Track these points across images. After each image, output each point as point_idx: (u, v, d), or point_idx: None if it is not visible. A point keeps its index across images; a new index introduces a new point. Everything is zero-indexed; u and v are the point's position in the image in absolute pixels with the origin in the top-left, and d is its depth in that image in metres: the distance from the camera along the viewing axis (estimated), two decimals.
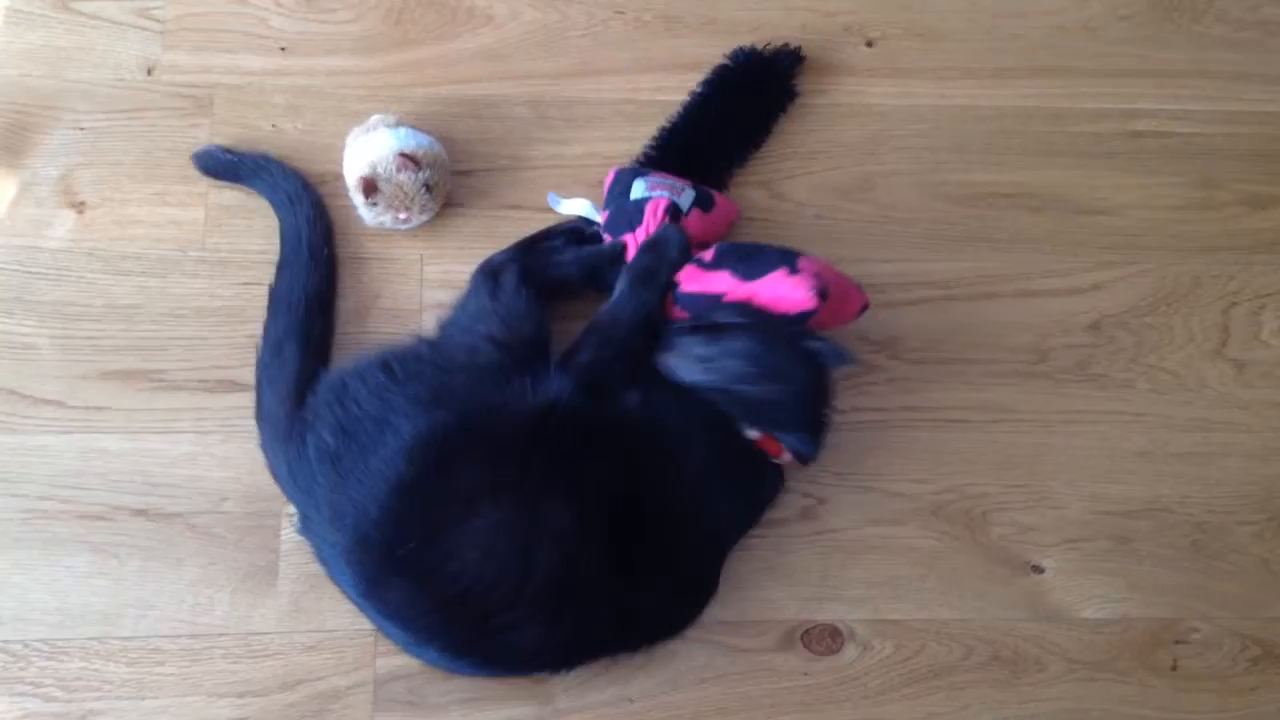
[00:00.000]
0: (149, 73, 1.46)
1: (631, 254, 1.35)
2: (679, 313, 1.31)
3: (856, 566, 1.38)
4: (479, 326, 1.30)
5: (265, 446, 1.32)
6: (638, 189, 1.37)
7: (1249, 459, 1.46)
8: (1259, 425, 1.47)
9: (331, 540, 1.21)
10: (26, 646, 1.28)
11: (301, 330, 1.34)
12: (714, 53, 1.53)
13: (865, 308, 1.33)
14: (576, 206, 1.43)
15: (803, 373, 1.27)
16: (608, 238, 1.38)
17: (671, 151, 1.46)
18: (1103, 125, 1.56)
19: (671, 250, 1.32)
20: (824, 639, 1.36)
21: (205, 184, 1.42)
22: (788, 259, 1.26)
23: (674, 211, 1.35)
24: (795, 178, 1.50)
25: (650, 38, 1.53)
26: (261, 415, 1.33)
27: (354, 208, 1.40)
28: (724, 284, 1.28)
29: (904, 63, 1.56)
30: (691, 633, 1.33)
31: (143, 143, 1.44)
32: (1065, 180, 1.53)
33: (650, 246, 1.33)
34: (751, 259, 1.28)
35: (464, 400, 1.23)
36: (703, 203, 1.38)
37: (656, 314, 1.32)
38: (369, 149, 1.36)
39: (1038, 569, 1.40)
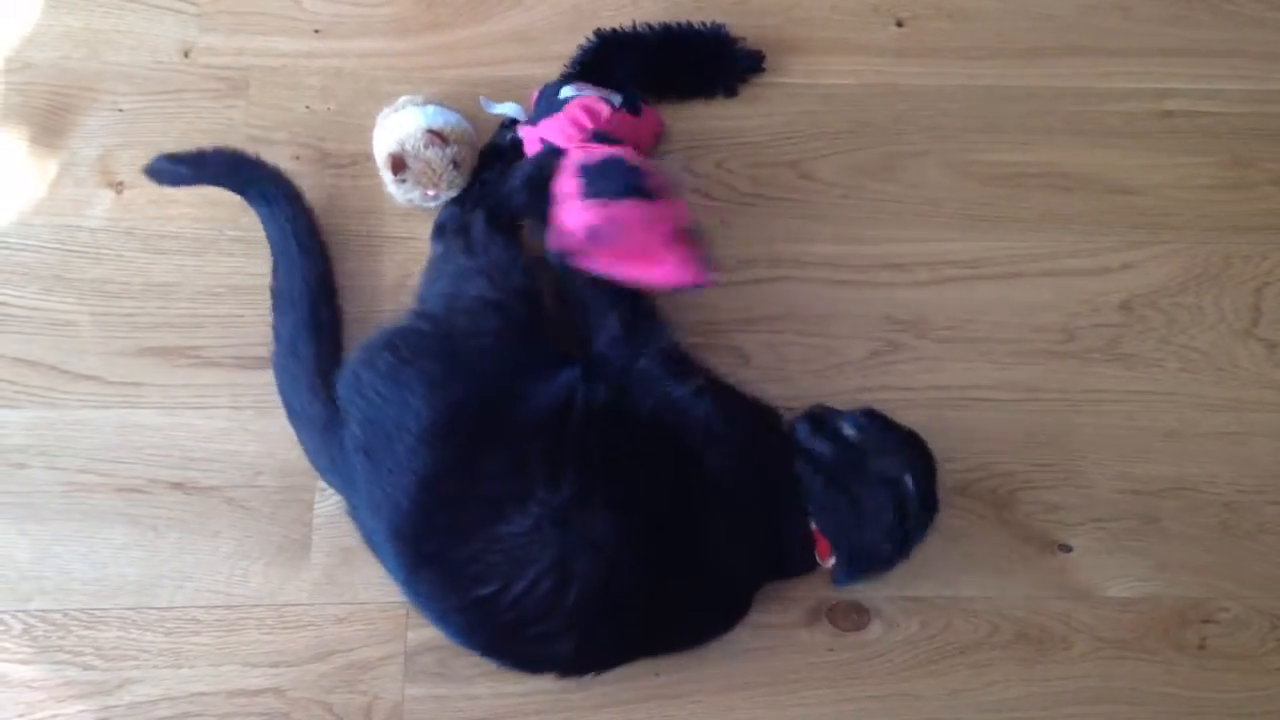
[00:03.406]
0: (186, 55, 1.49)
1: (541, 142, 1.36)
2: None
3: None
4: (467, 289, 1.29)
5: (304, 444, 1.33)
6: (566, 91, 1.38)
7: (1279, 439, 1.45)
8: None
9: (372, 528, 1.23)
10: (66, 616, 1.31)
11: (310, 321, 1.34)
12: (743, 33, 1.53)
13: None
14: (507, 109, 1.43)
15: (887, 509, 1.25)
16: (526, 136, 1.39)
17: (593, 60, 1.46)
18: (1134, 105, 1.55)
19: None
20: (850, 615, 1.36)
21: None
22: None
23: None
24: (823, 157, 1.50)
25: (680, 18, 1.52)
26: (293, 415, 1.33)
27: (384, 186, 1.41)
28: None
29: (933, 42, 1.56)
30: None
31: (180, 124, 1.46)
32: (1095, 160, 1.53)
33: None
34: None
35: (478, 375, 1.23)
36: (631, 107, 1.39)
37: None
38: (398, 127, 1.38)
39: (1065, 547, 1.40)
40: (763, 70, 1.52)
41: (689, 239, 1.27)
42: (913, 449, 1.28)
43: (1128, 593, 1.39)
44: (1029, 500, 1.41)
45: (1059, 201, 1.51)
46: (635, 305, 1.31)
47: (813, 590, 1.36)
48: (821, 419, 1.29)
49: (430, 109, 1.40)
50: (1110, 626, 1.38)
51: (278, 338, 1.35)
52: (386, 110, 1.42)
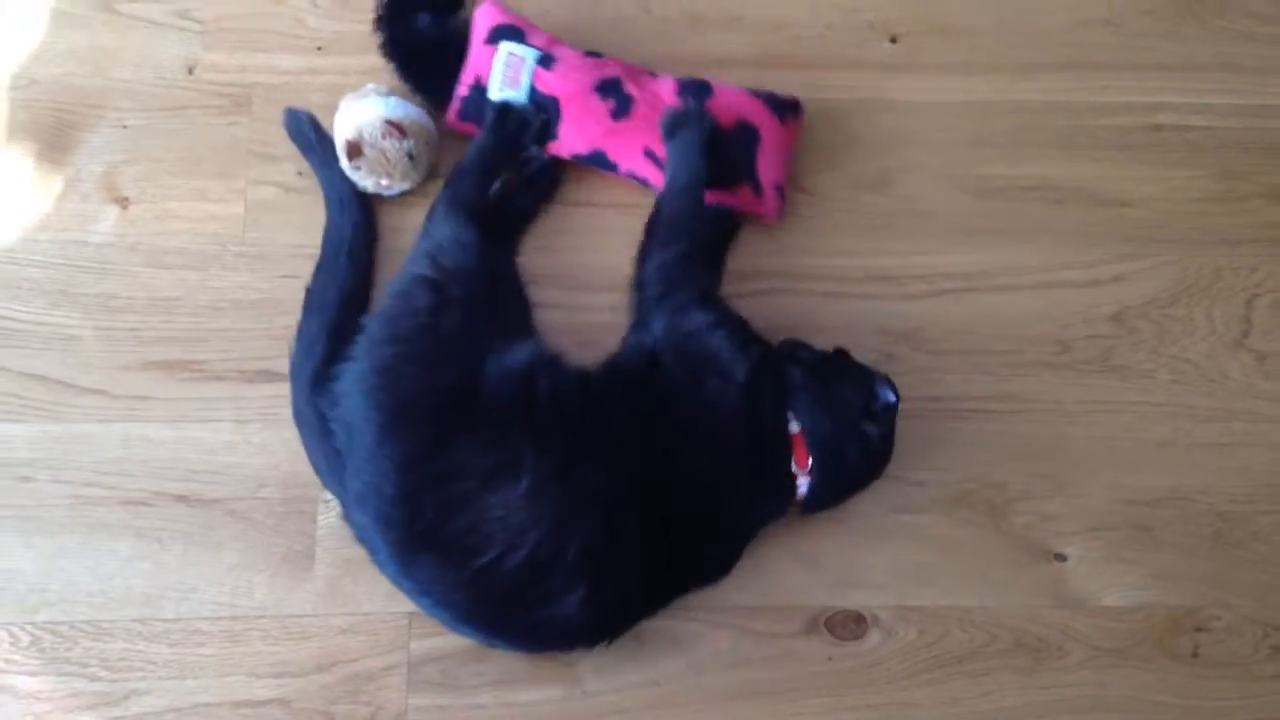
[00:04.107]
0: (190, 72, 1.50)
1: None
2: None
3: (879, 554, 1.40)
4: (411, 270, 1.33)
5: (304, 444, 1.35)
6: (506, 90, 1.42)
7: (1271, 449, 1.47)
8: None
9: (361, 523, 1.25)
10: (73, 628, 1.32)
11: (332, 327, 1.36)
12: (739, 50, 1.55)
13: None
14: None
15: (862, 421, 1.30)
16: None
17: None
18: (1124, 119, 1.57)
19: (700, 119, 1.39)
20: (848, 625, 1.38)
21: (244, 180, 1.46)
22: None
23: (544, 61, 1.41)
24: (819, 172, 1.51)
25: (676, 34, 1.55)
26: (297, 415, 1.36)
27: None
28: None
29: (927, 58, 1.58)
30: (717, 618, 1.36)
31: (184, 140, 1.47)
32: (1087, 173, 1.55)
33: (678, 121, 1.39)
34: None
35: (412, 351, 1.26)
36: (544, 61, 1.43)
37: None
38: (358, 114, 1.40)
39: (1060, 557, 1.41)
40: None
41: None
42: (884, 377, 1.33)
43: (1122, 602, 1.41)
44: (1024, 510, 1.42)
45: (1051, 214, 1.53)
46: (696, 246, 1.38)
47: (811, 600, 1.38)
48: (803, 341, 1.36)
49: (392, 100, 1.42)
50: (1105, 635, 1.40)
51: (300, 335, 1.38)
52: (350, 96, 1.44)
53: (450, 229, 1.35)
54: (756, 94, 1.44)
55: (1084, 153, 1.56)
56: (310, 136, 1.44)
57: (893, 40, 1.58)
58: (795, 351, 1.34)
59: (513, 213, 1.46)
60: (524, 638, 1.28)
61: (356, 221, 1.41)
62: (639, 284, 1.38)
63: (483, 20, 1.44)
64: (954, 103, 1.56)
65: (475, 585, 1.21)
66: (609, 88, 1.41)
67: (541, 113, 1.41)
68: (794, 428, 1.29)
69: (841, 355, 1.35)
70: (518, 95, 1.41)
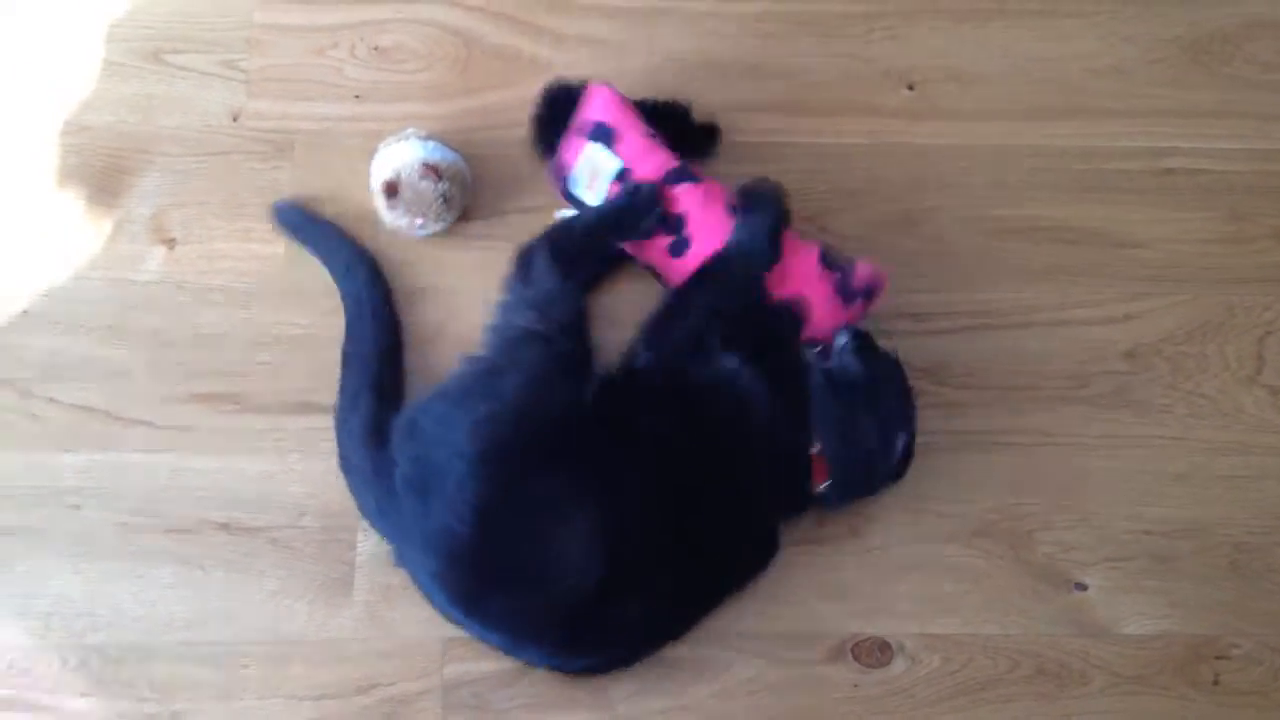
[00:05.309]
0: (234, 119, 1.56)
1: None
2: None
3: (904, 582, 1.43)
4: (516, 320, 1.33)
5: (354, 491, 1.38)
6: (586, 192, 1.42)
7: None
8: None
9: (423, 564, 1.28)
10: (120, 650, 1.36)
11: (374, 382, 1.40)
12: (760, 97, 1.61)
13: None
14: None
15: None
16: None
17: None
18: (1135, 163, 1.61)
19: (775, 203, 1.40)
20: (873, 652, 1.40)
21: None
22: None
23: (622, 177, 1.40)
24: (842, 213, 1.56)
25: (699, 82, 1.60)
26: (345, 464, 1.39)
27: (377, 210, 1.48)
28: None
29: (943, 104, 1.63)
30: (745, 644, 1.39)
31: (228, 184, 1.53)
32: (1100, 215, 1.59)
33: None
34: None
35: (515, 406, 1.28)
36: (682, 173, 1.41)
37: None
38: (397, 156, 1.45)
39: (1081, 586, 1.44)
40: (717, 144, 1.55)
41: None
42: (910, 408, 1.38)
43: (1142, 630, 1.43)
44: (1046, 540, 1.45)
45: (1066, 254, 1.57)
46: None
47: (837, 627, 1.41)
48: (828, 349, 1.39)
49: (430, 144, 1.47)
50: (1126, 663, 1.42)
51: (342, 391, 1.41)
52: (390, 139, 1.49)
53: (555, 282, 1.34)
54: (831, 265, 1.40)
55: (1097, 195, 1.60)
56: (299, 221, 1.48)
57: (910, 87, 1.64)
58: (841, 360, 1.37)
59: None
60: (596, 648, 1.32)
61: (367, 279, 1.45)
62: (653, 323, 1.38)
63: (588, 108, 1.42)
64: (970, 147, 1.61)
65: (553, 611, 1.26)
66: (671, 224, 1.39)
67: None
68: (815, 448, 1.34)
69: (886, 370, 1.38)
70: (597, 197, 1.42)
